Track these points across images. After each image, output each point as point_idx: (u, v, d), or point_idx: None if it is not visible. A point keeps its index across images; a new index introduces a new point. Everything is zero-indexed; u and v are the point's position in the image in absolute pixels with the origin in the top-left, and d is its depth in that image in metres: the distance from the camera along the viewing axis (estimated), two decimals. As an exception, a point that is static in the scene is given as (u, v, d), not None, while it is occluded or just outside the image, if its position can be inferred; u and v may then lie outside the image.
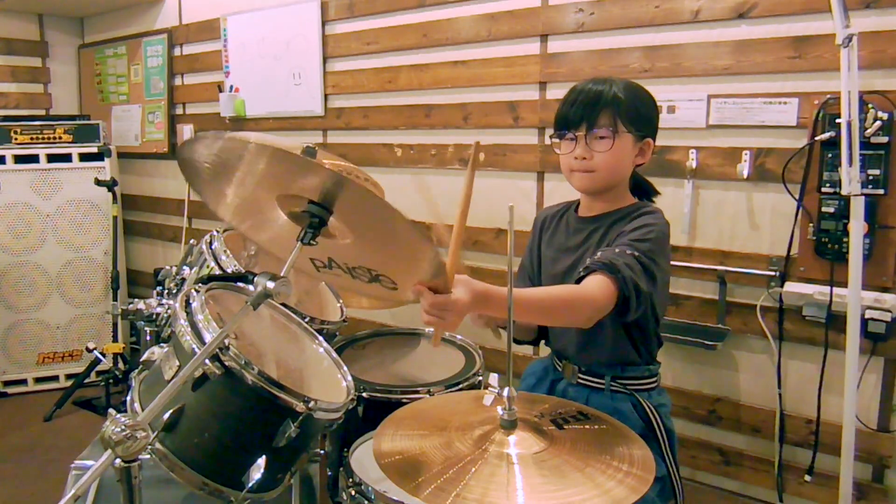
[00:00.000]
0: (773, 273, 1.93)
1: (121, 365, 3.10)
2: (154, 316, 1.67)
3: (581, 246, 1.50)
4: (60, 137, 3.34)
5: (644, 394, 1.47)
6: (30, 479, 2.51)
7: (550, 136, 1.49)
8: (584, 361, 1.51)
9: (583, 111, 1.40)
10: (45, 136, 3.32)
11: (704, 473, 2.16)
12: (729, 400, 2.09)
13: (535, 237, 1.67)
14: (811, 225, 1.86)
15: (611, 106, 1.39)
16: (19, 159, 3.26)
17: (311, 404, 1.24)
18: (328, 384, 1.46)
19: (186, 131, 3.54)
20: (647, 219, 1.39)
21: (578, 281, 1.30)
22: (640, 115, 1.41)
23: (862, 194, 1.59)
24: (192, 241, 1.92)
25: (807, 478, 1.96)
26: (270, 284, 1.17)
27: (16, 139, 3.26)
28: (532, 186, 2.41)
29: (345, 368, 1.50)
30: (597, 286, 1.25)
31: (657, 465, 1.40)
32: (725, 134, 2.00)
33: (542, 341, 1.65)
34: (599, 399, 1.48)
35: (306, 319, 1.66)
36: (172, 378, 1.19)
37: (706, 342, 1.96)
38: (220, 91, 3.26)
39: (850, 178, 1.57)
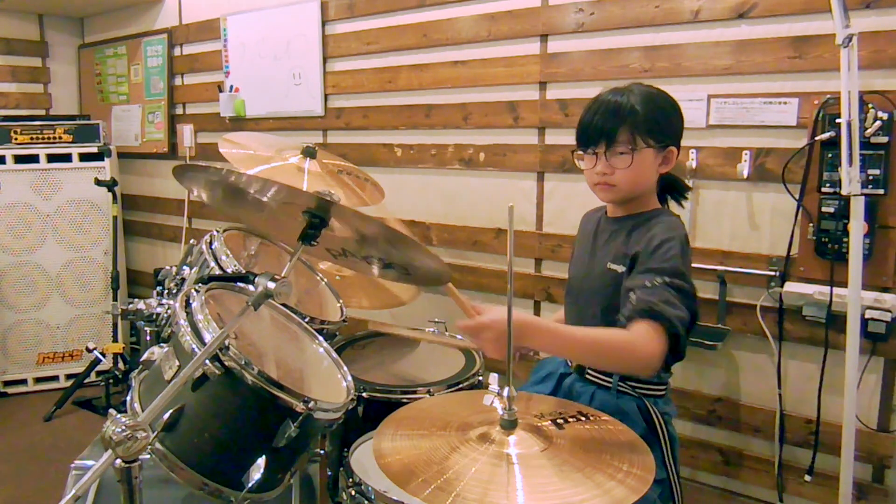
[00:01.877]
0: (773, 273, 1.93)
1: (121, 365, 3.10)
2: (154, 316, 1.67)
3: (603, 247, 1.51)
4: (60, 137, 3.34)
5: (651, 399, 1.47)
6: (30, 479, 2.51)
7: (572, 151, 1.48)
8: None
9: (601, 128, 1.39)
10: (45, 136, 3.31)
11: (704, 473, 2.16)
12: (729, 400, 2.09)
13: (578, 235, 1.68)
14: (811, 225, 1.86)
15: (628, 121, 1.37)
16: (19, 159, 3.25)
17: (311, 404, 1.24)
18: (328, 384, 1.46)
19: (186, 131, 3.54)
20: (664, 233, 1.36)
21: (610, 323, 1.33)
22: (659, 125, 1.39)
23: (862, 194, 1.59)
24: (192, 241, 1.91)
25: (807, 478, 1.96)
26: (271, 284, 1.17)
27: (16, 139, 3.26)
28: (532, 186, 2.41)
29: (345, 368, 1.50)
30: (647, 338, 1.23)
31: (658, 469, 1.40)
32: (725, 134, 2.00)
33: None
34: (605, 396, 1.48)
35: (306, 319, 1.66)
36: (172, 378, 1.19)
37: (706, 342, 1.96)
38: (220, 91, 3.26)
39: (850, 178, 1.57)
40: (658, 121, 1.39)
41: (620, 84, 1.44)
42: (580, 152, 1.45)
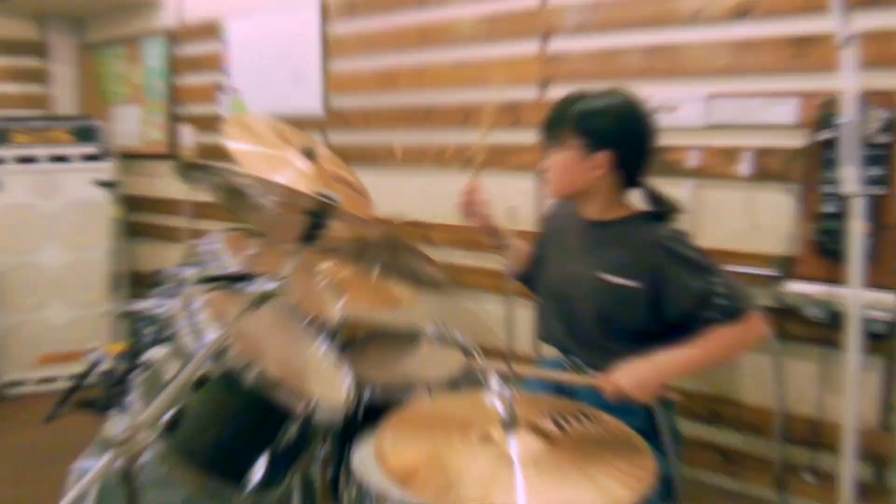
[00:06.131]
0: (773, 273, 1.93)
1: (121, 365, 3.10)
2: (154, 316, 1.67)
3: (586, 252, 1.51)
4: (61, 138, 3.34)
5: None
6: (30, 479, 2.51)
7: None
8: (592, 363, 1.52)
9: (546, 122, 1.49)
10: (46, 136, 3.31)
11: (704, 473, 2.16)
12: (729, 399, 2.09)
13: (547, 225, 1.72)
14: (811, 225, 1.86)
15: (558, 118, 1.45)
16: (20, 160, 3.25)
17: (312, 404, 1.24)
18: (328, 384, 1.46)
19: (186, 132, 3.54)
20: (680, 248, 1.40)
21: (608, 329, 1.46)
22: (586, 129, 1.41)
23: (862, 194, 1.59)
24: (192, 242, 1.91)
25: (807, 477, 1.95)
26: (271, 284, 1.17)
27: (16, 140, 3.26)
28: (532, 186, 2.41)
29: (345, 368, 1.50)
30: (751, 325, 1.40)
31: (659, 462, 1.41)
32: (725, 133, 2.00)
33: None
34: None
35: (306, 319, 1.66)
36: (173, 378, 1.19)
37: (706, 342, 1.96)
38: (221, 91, 3.26)
39: (850, 177, 1.57)
40: (585, 123, 1.42)
41: (620, 84, 1.45)
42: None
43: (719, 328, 1.39)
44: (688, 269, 1.38)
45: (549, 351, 1.74)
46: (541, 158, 1.53)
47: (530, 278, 1.82)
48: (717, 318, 1.38)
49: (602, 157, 1.42)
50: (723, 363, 1.46)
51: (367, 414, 1.65)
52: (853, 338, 1.63)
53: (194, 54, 3.50)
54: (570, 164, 1.45)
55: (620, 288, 1.42)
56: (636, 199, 1.55)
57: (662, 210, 1.51)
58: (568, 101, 1.45)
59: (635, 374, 1.35)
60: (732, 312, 1.37)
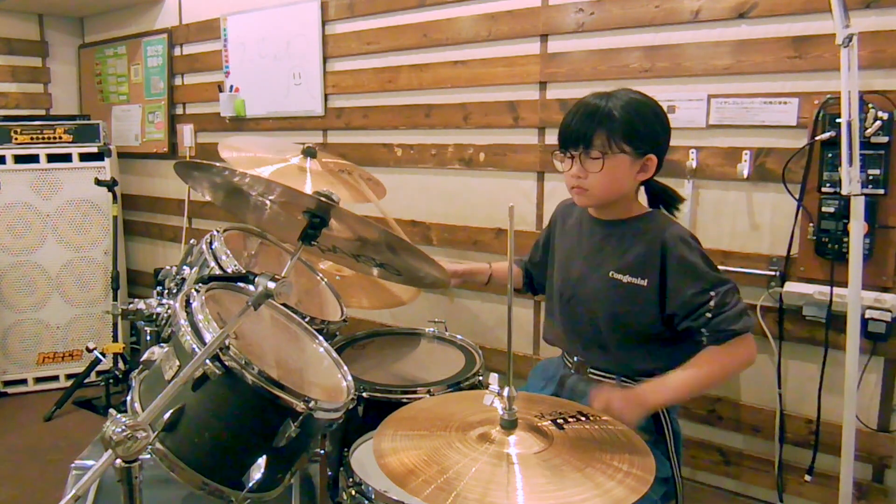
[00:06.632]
0: (773, 273, 1.93)
1: (121, 365, 3.10)
2: (154, 316, 1.67)
3: (596, 252, 1.51)
4: (60, 137, 3.34)
5: None
6: (30, 479, 2.51)
7: (552, 153, 1.49)
8: (594, 363, 1.53)
9: (578, 131, 1.40)
10: (45, 135, 3.31)
11: (704, 473, 2.16)
12: (729, 400, 2.09)
13: (553, 228, 1.69)
14: (811, 225, 1.86)
15: (605, 125, 1.37)
16: (19, 159, 3.25)
17: (311, 404, 1.24)
18: (328, 384, 1.46)
19: (186, 131, 3.54)
20: (683, 250, 1.38)
21: (621, 329, 1.44)
22: (637, 132, 1.38)
23: (862, 194, 1.59)
24: (192, 241, 1.92)
25: (807, 478, 1.96)
26: (271, 284, 1.17)
27: (16, 139, 3.26)
28: (532, 186, 2.41)
29: (345, 368, 1.50)
30: (744, 347, 1.37)
31: (662, 465, 1.41)
32: (725, 134, 2.00)
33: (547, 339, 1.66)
34: None
35: (306, 319, 1.66)
36: (173, 378, 1.19)
37: (706, 342, 1.96)
38: (220, 91, 3.26)
39: (850, 177, 1.57)
40: (636, 127, 1.38)
41: (617, 85, 1.45)
42: (559, 153, 1.46)
43: (707, 351, 1.36)
44: (687, 273, 1.37)
45: (551, 352, 1.74)
46: (547, 164, 1.51)
47: (534, 285, 1.82)
48: (701, 333, 1.35)
49: (651, 160, 1.42)
50: (713, 388, 1.42)
51: (367, 414, 1.66)
52: (852, 338, 1.63)
53: (194, 54, 3.50)
54: (623, 169, 1.40)
55: (631, 286, 1.42)
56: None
57: (669, 201, 1.52)
58: (601, 107, 1.38)
59: (626, 402, 1.29)
60: (717, 333, 1.34)
